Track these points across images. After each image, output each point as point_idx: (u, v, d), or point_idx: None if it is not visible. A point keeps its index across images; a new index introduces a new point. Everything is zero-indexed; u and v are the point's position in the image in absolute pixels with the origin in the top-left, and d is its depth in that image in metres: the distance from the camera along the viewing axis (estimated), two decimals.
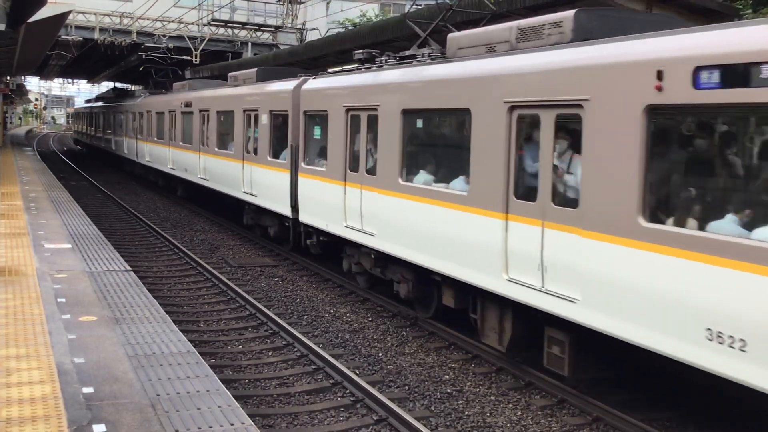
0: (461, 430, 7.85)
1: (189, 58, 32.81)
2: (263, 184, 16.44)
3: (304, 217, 14.26)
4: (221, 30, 36.05)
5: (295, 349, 10.19)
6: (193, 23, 34.96)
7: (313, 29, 34.81)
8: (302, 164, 14.34)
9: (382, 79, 11.64)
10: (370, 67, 12.60)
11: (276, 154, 15.97)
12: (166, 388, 5.84)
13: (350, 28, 34.52)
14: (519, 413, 8.31)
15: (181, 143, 23.92)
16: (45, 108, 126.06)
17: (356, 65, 13.81)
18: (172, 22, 34.80)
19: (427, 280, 10.85)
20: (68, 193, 19.53)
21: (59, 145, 67.76)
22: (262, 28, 36.95)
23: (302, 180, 14.26)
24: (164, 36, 34.29)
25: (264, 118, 16.40)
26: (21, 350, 6.57)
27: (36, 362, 6.27)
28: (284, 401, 8.50)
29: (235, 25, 36.55)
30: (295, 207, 14.72)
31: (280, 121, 15.91)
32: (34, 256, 10.70)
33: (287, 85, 15.51)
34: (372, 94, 11.74)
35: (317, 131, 14.04)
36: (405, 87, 10.96)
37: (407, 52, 12.01)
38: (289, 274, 15.06)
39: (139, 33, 34.95)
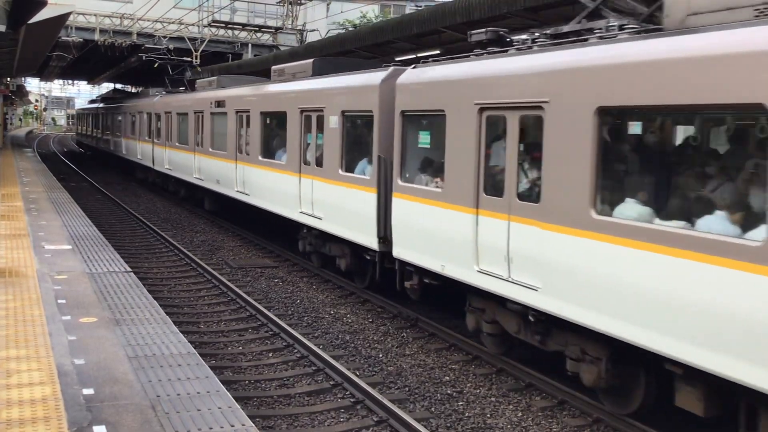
0: (462, 431, 7.85)
1: (189, 59, 32.87)
2: (332, 204, 13.01)
3: (400, 252, 10.88)
4: (221, 31, 36.10)
5: (296, 351, 10.19)
6: (193, 24, 34.99)
7: (314, 30, 34.88)
8: (398, 182, 10.88)
9: (552, 64, 7.99)
10: (507, 50, 9.24)
11: (350, 167, 12.59)
12: (167, 390, 5.84)
13: (350, 29, 34.56)
14: (519, 414, 8.31)
15: (210, 150, 20.42)
16: (45, 109, 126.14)
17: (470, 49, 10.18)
18: (173, 23, 34.86)
19: (627, 360, 7.71)
20: (68, 194, 19.53)
21: (59, 146, 67.79)
22: (263, 30, 36.98)
23: (399, 203, 10.85)
24: (164, 37, 34.33)
25: (333, 121, 12.88)
26: (21, 351, 6.57)
27: (36, 363, 6.27)
28: (284, 402, 8.50)
29: (235, 26, 36.59)
30: (384, 237, 11.43)
31: (358, 125, 12.72)
32: (34, 257, 10.70)
33: (371, 77, 11.93)
34: (532, 85, 8.23)
35: (424, 138, 10.76)
36: (606, 74, 7.32)
37: (567, 28, 8.66)
38: (289, 276, 15.05)
39: (139, 34, 35.01)
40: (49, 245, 11.72)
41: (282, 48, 34.36)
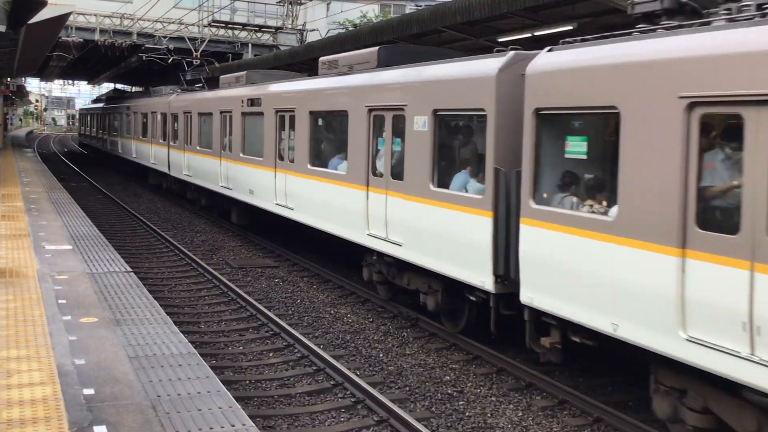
0: (462, 431, 7.85)
1: (189, 59, 32.89)
2: (418, 227, 10.37)
3: (534, 298, 8.21)
4: (221, 31, 36.11)
5: (296, 350, 10.19)
6: (193, 24, 35.01)
7: (314, 30, 34.87)
8: (530, 203, 8.21)
9: None
10: (709, 21, 6.79)
11: (445, 181, 10.02)
12: (167, 390, 5.85)
13: (350, 28, 34.57)
14: (520, 414, 8.31)
15: (241, 155, 17.79)
16: (45, 109, 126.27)
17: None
18: (173, 23, 34.88)
19: None
20: (69, 195, 19.55)
21: (60, 146, 67.83)
22: (263, 29, 37.00)
23: (532, 232, 8.18)
24: (164, 37, 34.35)
25: (419, 123, 10.34)
26: (22, 352, 6.57)
27: (37, 364, 6.27)
28: (285, 402, 8.51)
29: (235, 26, 36.61)
30: (504, 276, 8.82)
31: (459, 128, 10.42)
32: (34, 257, 10.71)
33: (484, 66, 9.29)
34: None
35: (576, 146, 8.07)
36: None
37: None
38: (289, 275, 15.05)
39: (139, 34, 35.03)
40: (50, 245, 11.72)
41: (282, 48, 34.37)
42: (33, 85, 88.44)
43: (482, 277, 9.08)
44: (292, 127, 14.91)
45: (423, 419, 7.94)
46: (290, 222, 15.23)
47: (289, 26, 36.50)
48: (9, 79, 40.08)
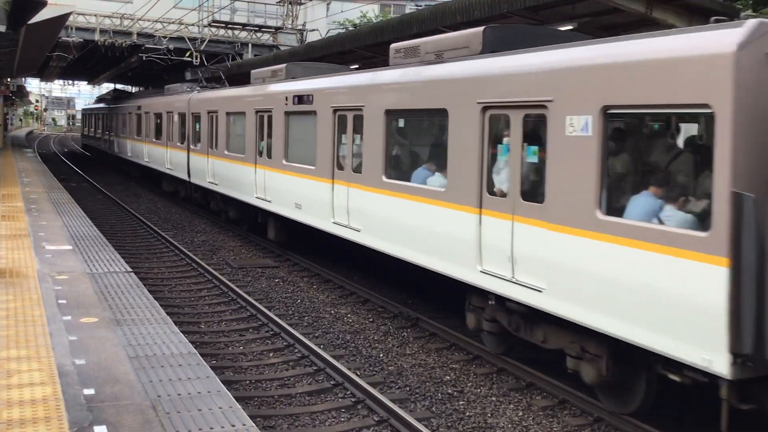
0: (462, 430, 7.85)
1: (189, 59, 32.87)
2: (573, 269, 7.63)
3: None
4: (221, 31, 36.12)
5: (296, 350, 10.19)
6: (193, 24, 35.02)
7: (314, 30, 34.88)
8: None
9: None
10: None
11: (617, 208, 7.32)
12: (167, 390, 5.85)
13: (350, 28, 34.57)
14: (520, 414, 8.31)
15: (284, 162, 15.29)
16: (45, 109, 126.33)
17: None
18: (173, 23, 34.91)
19: None
20: (69, 195, 19.55)
21: (60, 146, 67.85)
22: (263, 29, 37.01)
23: None
24: (164, 37, 34.37)
25: (577, 125, 7.56)
26: (22, 352, 6.57)
27: (37, 364, 6.28)
28: (285, 402, 8.51)
29: (235, 26, 36.62)
30: (752, 355, 6.02)
31: (650, 131, 7.84)
32: (35, 257, 10.71)
33: (705, 41, 6.42)
34: None
35: None
36: None
37: None
38: (290, 275, 15.05)
39: (139, 34, 35.06)
40: (50, 245, 11.73)
41: (282, 48, 34.38)
42: (33, 85, 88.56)
43: (705, 353, 6.30)
44: (357, 130, 12.30)
45: (423, 419, 7.94)
46: (349, 243, 12.64)
47: (289, 26, 36.51)
48: (9, 79, 40.08)
